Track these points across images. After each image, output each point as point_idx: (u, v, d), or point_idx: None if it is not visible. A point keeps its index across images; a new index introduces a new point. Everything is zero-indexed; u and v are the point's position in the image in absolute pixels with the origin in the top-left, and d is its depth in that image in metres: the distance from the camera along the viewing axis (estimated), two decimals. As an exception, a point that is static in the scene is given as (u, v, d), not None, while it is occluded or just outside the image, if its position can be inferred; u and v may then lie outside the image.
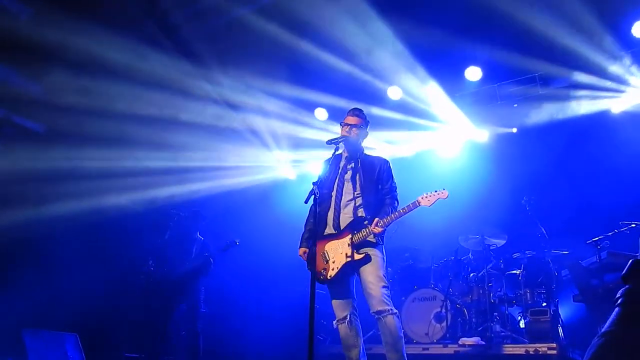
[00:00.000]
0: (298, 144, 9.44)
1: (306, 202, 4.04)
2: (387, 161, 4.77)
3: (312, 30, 7.03)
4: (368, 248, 4.39)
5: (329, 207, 4.57)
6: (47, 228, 7.40)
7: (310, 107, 8.87)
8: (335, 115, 8.84)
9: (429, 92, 8.17)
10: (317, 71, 7.74)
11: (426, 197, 4.43)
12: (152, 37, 7.21)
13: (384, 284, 4.30)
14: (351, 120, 4.75)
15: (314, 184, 4.03)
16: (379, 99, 8.45)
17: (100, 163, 7.90)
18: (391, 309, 4.22)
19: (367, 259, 4.34)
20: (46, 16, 6.43)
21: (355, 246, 4.38)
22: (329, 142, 4.48)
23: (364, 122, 4.79)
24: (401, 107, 8.50)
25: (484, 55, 7.55)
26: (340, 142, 4.51)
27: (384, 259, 4.44)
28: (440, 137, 8.82)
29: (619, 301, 1.29)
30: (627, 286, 1.31)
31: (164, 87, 7.66)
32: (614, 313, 1.28)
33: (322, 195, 4.54)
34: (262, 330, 8.04)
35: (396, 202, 4.57)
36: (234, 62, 7.77)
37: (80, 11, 6.37)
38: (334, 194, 4.59)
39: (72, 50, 6.71)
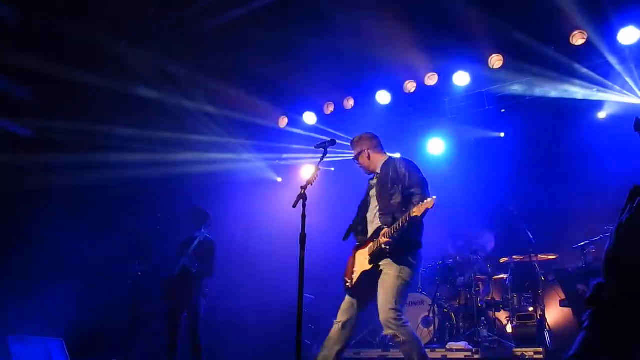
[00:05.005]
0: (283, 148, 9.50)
1: (294, 206, 4.00)
2: (398, 159, 4.73)
3: (307, 28, 7.06)
4: (385, 260, 4.28)
5: (363, 217, 4.67)
6: (32, 228, 7.36)
7: (298, 110, 8.91)
8: (323, 119, 8.88)
9: (417, 96, 8.24)
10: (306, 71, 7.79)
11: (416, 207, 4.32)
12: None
13: (391, 307, 4.09)
14: (354, 153, 4.92)
15: (302, 188, 4.01)
16: (368, 102, 8.51)
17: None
18: (395, 335, 4.03)
19: (380, 272, 4.26)
20: (34, 21, 6.41)
21: (372, 256, 4.32)
22: (317, 146, 4.46)
23: (360, 144, 4.87)
24: (389, 110, 8.55)
25: (472, 60, 7.61)
26: (328, 146, 4.48)
27: (400, 276, 4.20)
28: (428, 142, 8.84)
29: (584, 325, 1.29)
30: (591, 310, 1.31)
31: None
32: (579, 337, 1.29)
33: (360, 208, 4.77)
34: (249, 335, 8.02)
35: (424, 207, 4.18)
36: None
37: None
38: (365, 206, 4.70)
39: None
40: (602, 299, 1.27)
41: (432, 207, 4.13)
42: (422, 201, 4.12)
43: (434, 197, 4.14)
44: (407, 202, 4.37)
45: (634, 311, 1.18)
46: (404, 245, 4.27)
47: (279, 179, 10.04)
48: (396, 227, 4.18)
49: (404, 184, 4.46)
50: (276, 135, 9.33)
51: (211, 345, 7.27)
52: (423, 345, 4.21)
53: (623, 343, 1.19)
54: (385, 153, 4.89)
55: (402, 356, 4.21)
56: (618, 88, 7.28)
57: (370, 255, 4.36)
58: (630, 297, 1.20)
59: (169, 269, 6.63)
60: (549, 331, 6.61)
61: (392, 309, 4.09)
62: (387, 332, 4.11)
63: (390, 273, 4.23)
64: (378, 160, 4.80)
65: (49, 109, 7.47)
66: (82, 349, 6.78)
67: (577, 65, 7.22)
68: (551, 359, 6.07)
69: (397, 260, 4.25)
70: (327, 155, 4.45)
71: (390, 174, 4.57)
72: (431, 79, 7.92)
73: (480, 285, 7.30)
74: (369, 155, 4.83)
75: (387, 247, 4.20)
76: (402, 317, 4.12)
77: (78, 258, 7.45)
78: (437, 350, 6.53)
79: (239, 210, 8.73)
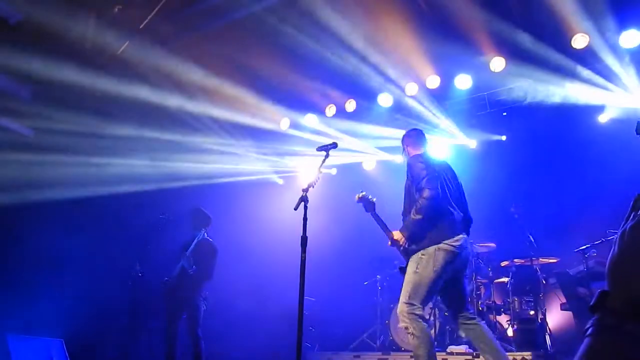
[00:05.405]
0: (285, 150, 9.49)
1: (296, 209, 4.01)
2: (410, 158, 4.82)
3: (308, 30, 7.04)
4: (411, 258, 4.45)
5: None
6: (32, 227, 7.35)
7: (299, 112, 8.90)
8: (325, 121, 8.86)
9: (419, 99, 8.24)
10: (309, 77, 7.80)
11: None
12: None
13: (405, 300, 4.24)
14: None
15: (303, 190, 4.01)
16: (369, 104, 8.50)
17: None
18: (407, 327, 4.18)
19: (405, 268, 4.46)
20: (34, 21, 6.40)
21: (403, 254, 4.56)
22: (319, 148, 4.46)
23: (403, 141, 5.05)
24: (390, 112, 8.55)
25: (473, 63, 7.60)
26: (330, 148, 4.47)
27: (416, 272, 4.31)
28: (430, 144, 8.82)
29: (588, 332, 1.28)
30: (595, 317, 1.30)
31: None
32: (583, 344, 1.28)
33: None
34: (249, 337, 8.00)
35: (420, 204, 4.36)
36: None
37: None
38: None
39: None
40: (606, 306, 1.26)
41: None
42: (421, 197, 4.35)
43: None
44: None
45: (639, 320, 1.17)
46: (417, 242, 4.43)
47: (281, 181, 10.04)
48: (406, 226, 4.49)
49: (414, 187, 4.55)
50: (278, 137, 9.32)
51: (212, 347, 7.28)
52: (434, 346, 4.28)
53: (628, 352, 1.18)
54: (419, 148, 4.96)
55: (399, 359, 4.25)
56: (620, 91, 7.27)
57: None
58: (635, 305, 1.19)
59: (170, 270, 6.64)
60: (550, 335, 6.60)
61: (406, 303, 4.23)
62: (400, 324, 4.27)
63: (408, 270, 4.41)
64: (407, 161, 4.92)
65: (49, 109, 7.45)
66: (82, 349, 6.77)
67: (579, 69, 7.21)
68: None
69: (415, 257, 4.41)
70: (329, 158, 4.45)
71: (406, 174, 4.71)
72: (433, 82, 7.91)
73: (481, 289, 7.28)
74: (408, 152, 4.97)
75: (399, 247, 4.50)
76: (417, 312, 4.19)
77: (79, 258, 7.44)
78: (437, 353, 6.50)
79: (240, 213, 8.72)
